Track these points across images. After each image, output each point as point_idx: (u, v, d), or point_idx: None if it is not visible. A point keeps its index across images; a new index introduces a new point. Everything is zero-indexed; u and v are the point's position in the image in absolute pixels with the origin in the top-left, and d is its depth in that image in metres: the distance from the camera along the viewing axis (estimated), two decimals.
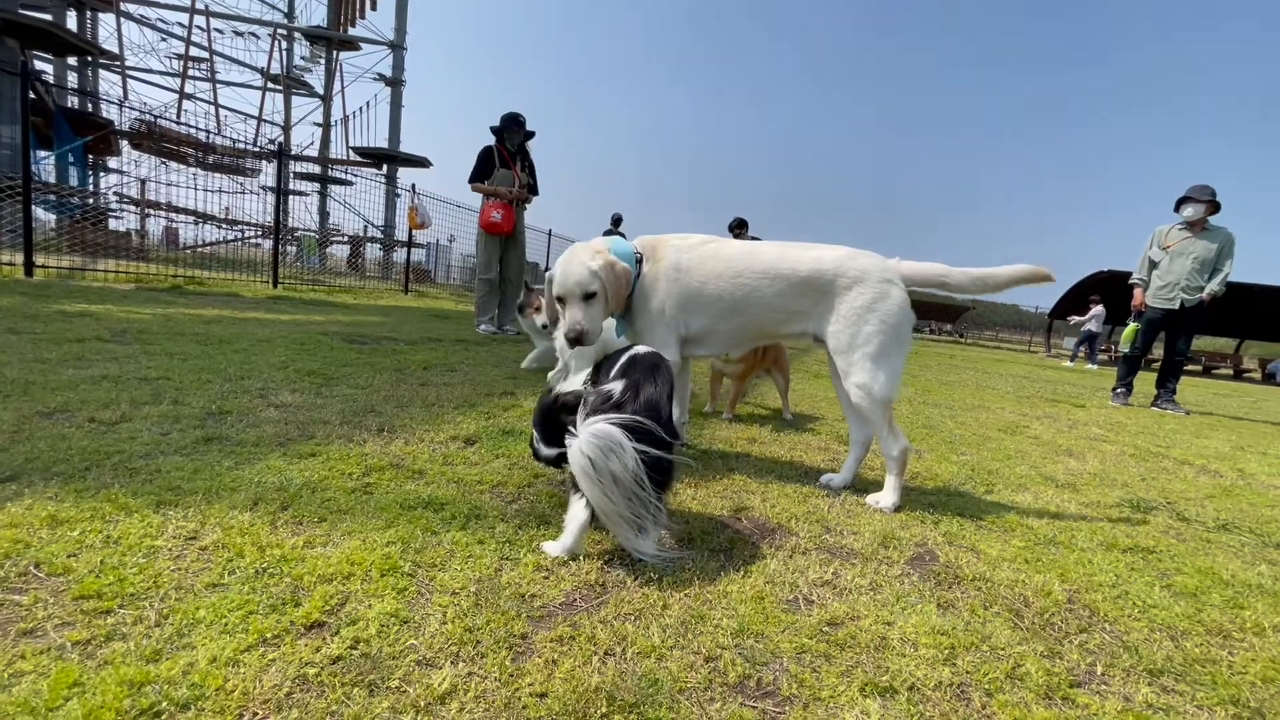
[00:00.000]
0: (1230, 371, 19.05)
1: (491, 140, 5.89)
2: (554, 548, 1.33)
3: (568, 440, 1.29)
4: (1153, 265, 5.70)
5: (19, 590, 1.01)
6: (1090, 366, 13.43)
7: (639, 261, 2.04)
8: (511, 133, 5.82)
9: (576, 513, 1.31)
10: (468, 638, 1.01)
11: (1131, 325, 5.88)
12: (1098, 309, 14.81)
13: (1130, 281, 5.92)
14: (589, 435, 1.24)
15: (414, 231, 11.28)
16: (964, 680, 1.04)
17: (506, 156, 5.89)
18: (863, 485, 2.08)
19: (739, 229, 8.59)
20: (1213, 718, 1.01)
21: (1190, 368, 17.39)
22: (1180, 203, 5.47)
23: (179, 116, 16.87)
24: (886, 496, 1.89)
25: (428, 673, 0.92)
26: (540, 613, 1.12)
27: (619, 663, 0.99)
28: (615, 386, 1.41)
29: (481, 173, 5.88)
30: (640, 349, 1.60)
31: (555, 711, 0.87)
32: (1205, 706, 1.04)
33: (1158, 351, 6.12)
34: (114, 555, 1.13)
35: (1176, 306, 5.49)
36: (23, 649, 0.87)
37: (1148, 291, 5.73)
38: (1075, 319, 15.55)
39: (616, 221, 10.54)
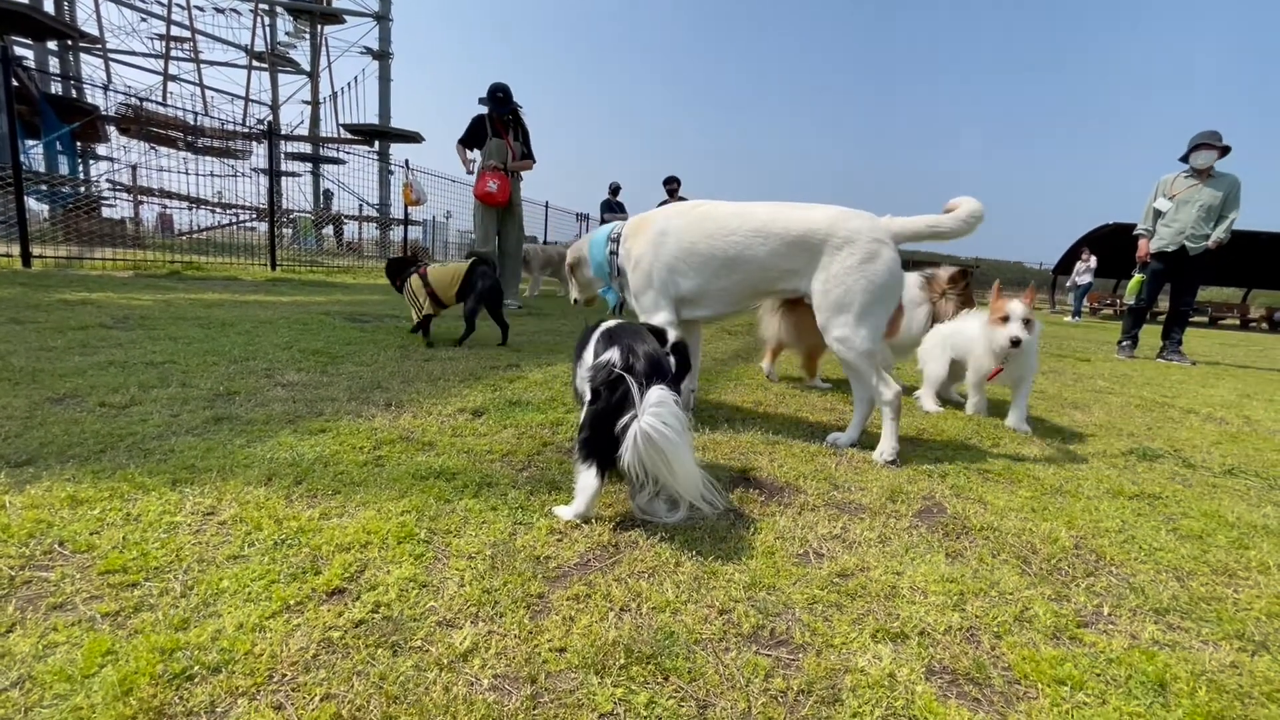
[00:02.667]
0: (1237, 321, 18.91)
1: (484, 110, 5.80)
2: (566, 512, 1.35)
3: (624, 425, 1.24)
4: (1158, 215, 5.61)
5: (46, 567, 1.03)
6: (1070, 320, 13.43)
7: (615, 240, 2.27)
8: (498, 102, 5.72)
9: (588, 481, 1.32)
10: (486, 599, 1.03)
11: (1137, 277, 5.81)
12: (1090, 261, 14.95)
13: (1135, 232, 5.84)
14: (656, 406, 1.22)
15: (410, 209, 11.15)
16: (973, 624, 1.06)
17: (499, 125, 5.79)
18: (869, 442, 2.09)
19: (673, 186, 8.91)
20: (1218, 652, 1.03)
21: (1196, 319, 17.28)
22: (1189, 151, 5.35)
23: (165, 99, 16.59)
24: (884, 445, 1.92)
25: (449, 632, 0.94)
26: (555, 573, 1.14)
27: (635, 617, 1.02)
28: (611, 355, 1.34)
29: (472, 139, 5.79)
30: (608, 323, 1.56)
31: (575, 665, 0.89)
32: (1210, 641, 1.06)
33: (1163, 304, 6.07)
34: (135, 531, 1.15)
35: (1178, 248, 5.42)
36: (54, 621, 0.89)
37: (1153, 241, 5.65)
38: (1078, 268, 15.59)
39: (615, 190, 10.39)
